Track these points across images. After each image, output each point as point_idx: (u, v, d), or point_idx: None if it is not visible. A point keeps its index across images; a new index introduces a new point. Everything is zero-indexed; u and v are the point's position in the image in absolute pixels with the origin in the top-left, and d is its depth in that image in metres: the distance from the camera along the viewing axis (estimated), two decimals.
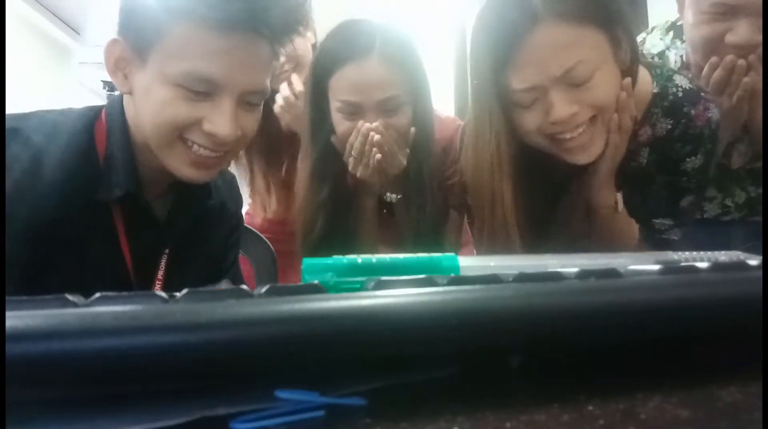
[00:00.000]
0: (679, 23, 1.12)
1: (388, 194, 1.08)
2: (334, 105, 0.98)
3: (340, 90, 0.97)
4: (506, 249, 0.89)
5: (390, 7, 2.57)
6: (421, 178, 1.03)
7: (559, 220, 0.95)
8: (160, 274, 0.79)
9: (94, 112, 0.78)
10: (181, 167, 0.74)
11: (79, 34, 4.26)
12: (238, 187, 1.02)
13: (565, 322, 0.29)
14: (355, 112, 0.97)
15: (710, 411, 0.26)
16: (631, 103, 0.82)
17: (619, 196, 0.91)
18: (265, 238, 1.25)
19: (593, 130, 0.82)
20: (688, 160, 0.88)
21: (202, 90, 0.70)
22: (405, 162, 1.00)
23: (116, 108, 0.77)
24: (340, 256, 0.39)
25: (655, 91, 0.88)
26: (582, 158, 0.84)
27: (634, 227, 0.93)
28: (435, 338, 0.28)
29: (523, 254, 0.88)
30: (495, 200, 0.87)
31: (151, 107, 0.71)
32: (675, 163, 0.89)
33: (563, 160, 0.86)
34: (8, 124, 0.70)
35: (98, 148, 0.75)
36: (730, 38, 0.96)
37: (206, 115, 0.71)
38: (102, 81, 5.20)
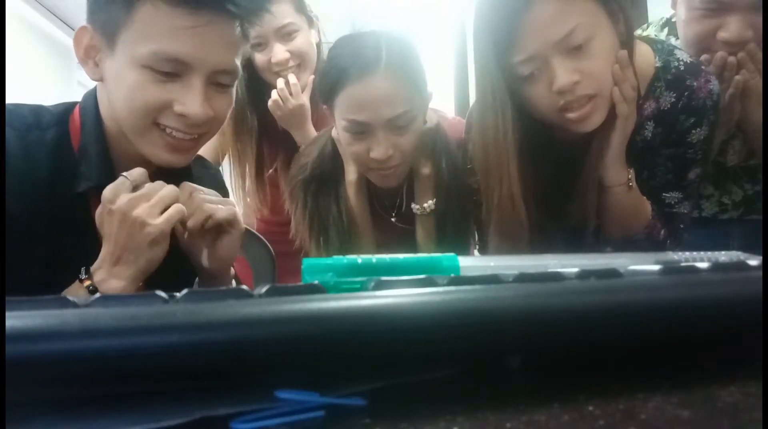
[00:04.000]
0: (673, 20, 1.13)
1: (421, 206, 1.05)
2: (341, 124, 0.97)
3: (346, 109, 0.95)
4: (515, 232, 0.90)
5: (389, 6, 2.57)
6: (447, 181, 1.04)
7: (572, 199, 0.95)
8: None
9: (66, 107, 0.78)
10: (157, 152, 0.74)
11: None
12: (222, 180, 1.01)
13: (566, 322, 0.29)
14: (363, 130, 0.95)
15: (710, 411, 0.26)
16: (628, 74, 0.83)
17: (632, 173, 0.91)
18: (263, 238, 1.25)
19: (595, 101, 0.83)
20: (693, 131, 0.89)
21: (171, 71, 0.69)
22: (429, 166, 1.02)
23: (90, 100, 0.77)
24: (340, 257, 0.39)
25: (657, 65, 0.90)
26: (583, 127, 0.85)
27: (646, 204, 0.93)
28: (435, 338, 0.28)
29: (532, 236, 0.90)
30: (502, 177, 0.87)
31: (122, 93, 0.71)
32: (680, 136, 0.90)
33: (570, 137, 0.88)
34: None
35: (72, 142, 0.75)
36: (721, 35, 0.97)
37: (177, 97, 0.70)
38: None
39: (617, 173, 0.89)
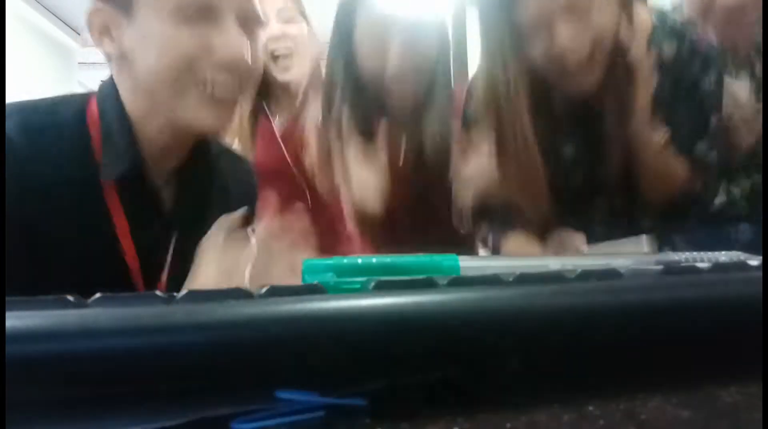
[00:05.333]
0: None
1: None
2: None
3: None
4: (534, 186, 0.91)
5: None
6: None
7: (597, 158, 0.96)
8: (167, 268, 0.75)
9: (80, 99, 0.75)
10: (199, 114, 0.69)
11: (79, 34, 4.26)
12: (254, 177, 0.95)
13: (566, 322, 0.29)
14: None
15: (710, 411, 0.26)
16: (632, 29, 0.87)
17: (663, 131, 0.91)
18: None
19: (595, 59, 0.86)
20: (703, 78, 0.91)
21: (201, 14, 0.65)
22: None
23: (108, 89, 0.73)
24: (340, 257, 0.39)
25: (654, 21, 0.92)
26: (584, 85, 0.88)
27: (680, 163, 0.93)
28: (435, 339, 0.28)
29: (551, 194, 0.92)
30: (516, 130, 0.90)
31: (153, 52, 0.67)
32: (692, 85, 0.92)
33: (579, 94, 0.90)
34: None
35: (92, 133, 0.71)
36: (720, 1, 1.00)
37: (213, 42, 0.67)
38: (102, 81, 5.22)
39: (650, 132, 0.90)
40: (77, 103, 0.73)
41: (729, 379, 0.29)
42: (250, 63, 0.70)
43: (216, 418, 0.25)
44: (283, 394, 0.25)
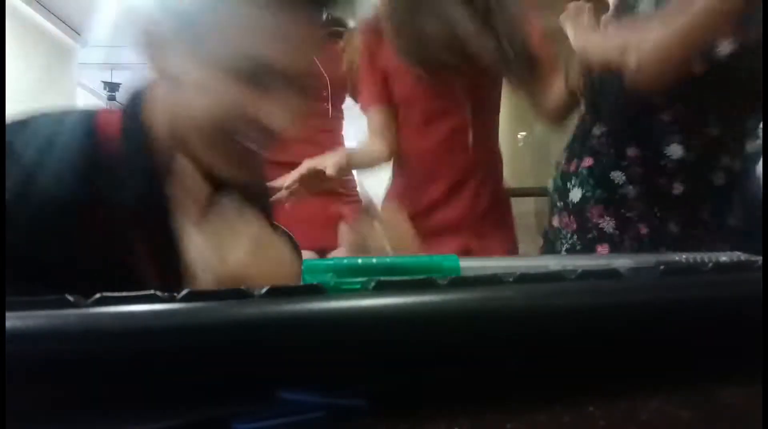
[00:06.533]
0: None
1: None
2: None
3: None
4: None
5: None
6: None
7: None
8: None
9: (87, 113, 0.69)
10: (227, 167, 0.65)
11: (79, 34, 4.27)
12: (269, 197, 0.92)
13: (566, 322, 0.29)
14: None
15: (711, 412, 0.26)
16: None
17: None
18: (289, 232, 1.23)
19: None
20: None
21: (257, 76, 0.60)
22: None
23: (135, 103, 0.67)
24: (341, 257, 0.39)
25: None
26: None
27: None
28: (435, 339, 0.28)
29: None
30: None
31: (196, 96, 0.61)
32: None
33: None
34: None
35: (103, 149, 0.65)
36: None
37: (261, 106, 0.61)
38: (102, 82, 5.20)
39: None
40: (85, 117, 0.67)
41: (729, 380, 0.29)
42: (293, 127, 0.64)
43: (218, 419, 0.25)
44: (284, 395, 0.25)
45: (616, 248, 1.02)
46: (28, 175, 0.62)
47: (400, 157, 1.27)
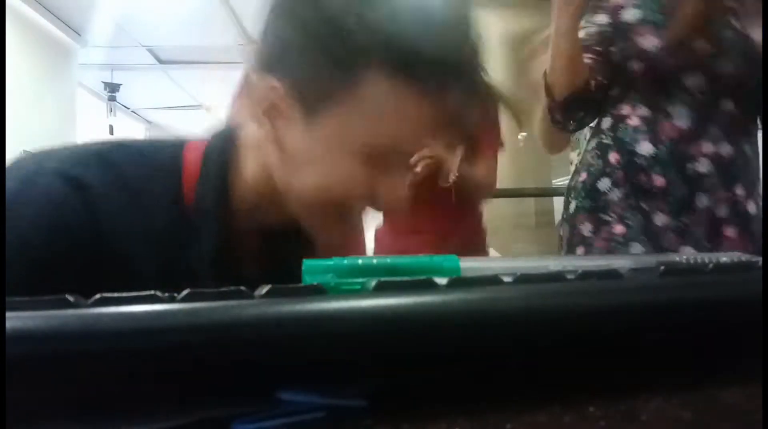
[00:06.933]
0: None
1: None
2: None
3: None
4: None
5: None
6: None
7: None
8: None
9: (175, 147, 0.62)
10: (325, 234, 0.61)
11: (79, 34, 4.27)
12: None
13: (566, 323, 0.29)
14: None
15: (711, 412, 0.26)
16: None
17: None
18: None
19: None
20: None
21: (384, 157, 0.54)
22: None
23: (219, 150, 0.61)
24: (341, 258, 0.39)
25: None
26: None
27: None
28: (436, 339, 0.28)
29: None
30: None
31: (315, 169, 0.55)
32: None
33: None
34: (71, 172, 0.53)
35: (186, 192, 0.59)
36: None
37: (379, 186, 0.56)
38: (102, 82, 5.20)
39: None
40: (171, 154, 0.61)
41: (730, 380, 0.29)
42: (406, 204, 0.59)
43: (217, 420, 0.25)
44: (284, 395, 0.25)
45: (590, 251, 1.12)
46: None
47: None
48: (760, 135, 1.09)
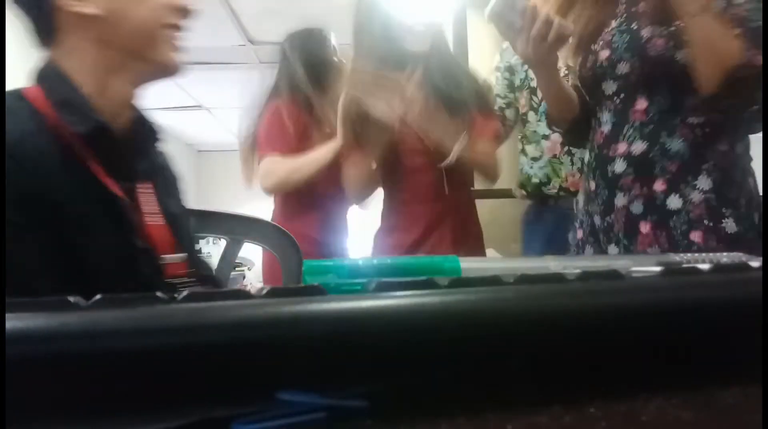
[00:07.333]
0: None
1: None
2: None
3: None
4: None
5: None
6: None
7: None
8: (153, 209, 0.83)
9: (11, 92, 0.79)
10: (169, 54, 0.84)
11: None
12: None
13: (567, 323, 0.29)
14: None
15: (711, 413, 0.26)
16: None
17: None
18: (290, 233, 1.26)
19: None
20: None
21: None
22: None
23: (51, 72, 0.79)
24: (341, 258, 0.39)
25: None
26: None
27: (732, 32, 0.92)
28: (436, 340, 0.28)
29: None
30: None
31: (133, 9, 0.80)
32: None
33: None
34: None
35: (43, 113, 0.75)
36: None
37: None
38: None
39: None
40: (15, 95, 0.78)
41: (730, 381, 0.29)
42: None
43: (217, 420, 0.25)
44: (284, 396, 0.25)
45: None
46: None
47: (387, 203, 1.48)
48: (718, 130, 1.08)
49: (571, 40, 1.07)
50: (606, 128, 1.11)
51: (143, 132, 0.89)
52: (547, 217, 1.66)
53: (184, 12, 0.85)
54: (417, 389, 0.28)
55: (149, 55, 0.82)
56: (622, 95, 1.08)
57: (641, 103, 1.05)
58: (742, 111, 1.00)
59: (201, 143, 7.49)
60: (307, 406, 0.26)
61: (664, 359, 0.33)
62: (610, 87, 1.10)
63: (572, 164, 1.58)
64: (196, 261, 0.92)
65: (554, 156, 1.59)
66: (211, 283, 0.97)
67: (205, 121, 6.33)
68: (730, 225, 0.98)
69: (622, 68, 1.06)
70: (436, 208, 1.41)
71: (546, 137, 1.61)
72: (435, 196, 1.40)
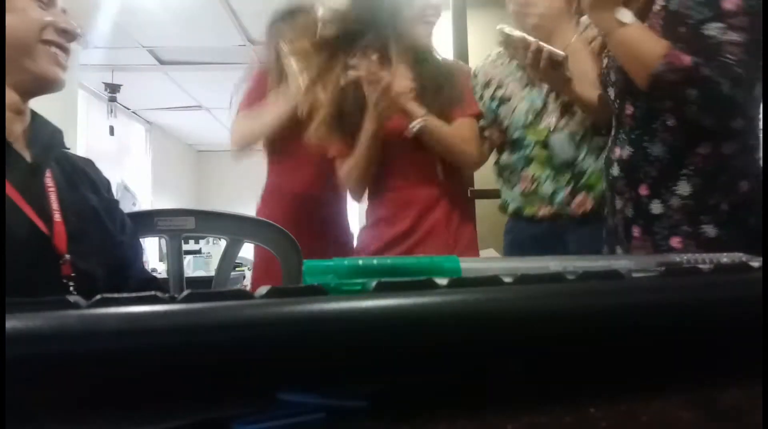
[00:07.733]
0: None
1: None
2: None
3: None
4: None
5: None
6: None
7: None
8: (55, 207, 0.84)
9: None
10: (48, 67, 0.86)
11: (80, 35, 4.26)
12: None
13: (567, 323, 0.29)
14: None
15: (711, 413, 0.26)
16: None
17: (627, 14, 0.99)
18: (290, 234, 1.25)
19: None
20: None
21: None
22: None
23: None
24: (341, 259, 0.39)
25: None
26: None
27: (657, 40, 0.97)
28: (436, 340, 0.28)
29: None
30: None
31: (15, 24, 0.83)
32: None
33: None
34: None
35: None
36: None
37: (55, 17, 0.86)
38: (103, 83, 5.20)
39: (601, 20, 1.02)
40: None
41: (730, 381, 0.29)
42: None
43: (217, 420, 0.25)
44: (285, 396, 0.25)
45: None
46: None
47: (374, 193, 1.47)
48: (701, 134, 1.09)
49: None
50: (612, 132, 1.13)
51: (41, 138, 0.90)
52: (526, 232, 1.58)
53: (66, 34, 0.88)
54: (417, 389, 0.28)
55: (28, 66, 0.85)
56: (617, 101, 1.11)
57: (629, 109, 1.07)
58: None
59: (201, 143, 7.50)
60: (307, 406, 0.26)
61: (664, 359, 0.33)
62: (611, 92, 1.13)
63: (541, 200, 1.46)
64: (109, 256, 0.90)
65: (524, 190, 1.48)
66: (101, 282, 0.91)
67: (205, 121, 6.34)
68: (710, 230, 0.97)
69: (613, 75, 1.10)
70: (426, 194, 1.41)
71: (518, 170, 1.46)
72: (425, 180, 1.40)
